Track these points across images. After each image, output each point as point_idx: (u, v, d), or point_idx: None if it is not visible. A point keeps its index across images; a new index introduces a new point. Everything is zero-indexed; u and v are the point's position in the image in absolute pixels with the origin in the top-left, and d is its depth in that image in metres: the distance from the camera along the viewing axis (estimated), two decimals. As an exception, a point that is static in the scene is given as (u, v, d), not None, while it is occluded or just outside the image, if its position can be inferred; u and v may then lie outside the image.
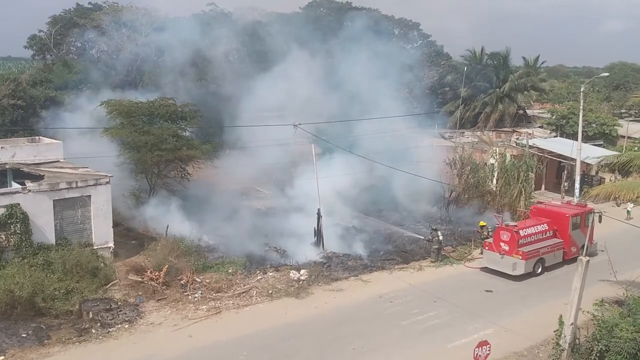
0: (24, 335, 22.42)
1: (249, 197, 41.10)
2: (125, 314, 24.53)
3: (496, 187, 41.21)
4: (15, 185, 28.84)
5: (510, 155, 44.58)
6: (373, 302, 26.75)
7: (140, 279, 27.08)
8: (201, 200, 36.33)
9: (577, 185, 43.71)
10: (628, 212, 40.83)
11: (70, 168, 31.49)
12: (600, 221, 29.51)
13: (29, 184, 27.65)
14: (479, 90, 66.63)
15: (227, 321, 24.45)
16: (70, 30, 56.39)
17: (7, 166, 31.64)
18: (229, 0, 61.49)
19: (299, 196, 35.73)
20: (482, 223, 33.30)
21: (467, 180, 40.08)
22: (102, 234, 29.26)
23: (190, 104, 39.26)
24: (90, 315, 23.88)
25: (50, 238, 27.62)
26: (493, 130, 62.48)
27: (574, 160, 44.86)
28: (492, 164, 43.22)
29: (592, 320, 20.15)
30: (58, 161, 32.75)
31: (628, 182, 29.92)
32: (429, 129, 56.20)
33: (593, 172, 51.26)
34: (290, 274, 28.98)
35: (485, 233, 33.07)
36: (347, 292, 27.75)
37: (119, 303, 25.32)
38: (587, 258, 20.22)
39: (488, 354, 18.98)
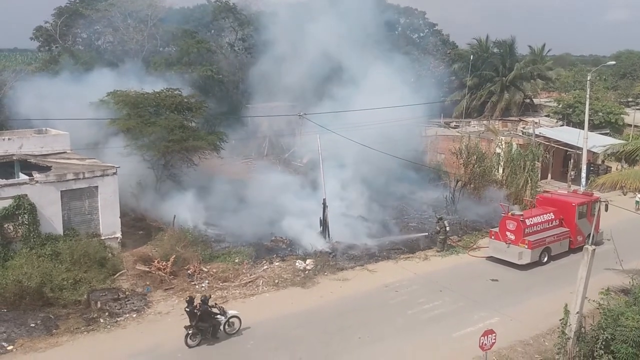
0: (33, 325, 22.66)
1: (253, 187, 41.09)
2: (133, 303, 24.76)
3: (502, 177, 41.15)
4: (23, 177, 29.00)
5: (517, 145, 44.49)
6: (379, 292, 26.86)
7: (147, 269, 27.28)
8: (207, 190, 36.42)
9: (583, 174, 43.62)
10: (637, 202, 40.63)
11: (77, 159, 31.64)
12: (606, 210, 29.48)
13: (37, 175, 27.81)
14: (485, 79, 66.42)
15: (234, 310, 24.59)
16: (76, 21, 56.39)
17: (14, 157, 31.81)
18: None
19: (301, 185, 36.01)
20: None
21: (473, 170, 40.03)
22: (109, 224, 29.45)
23: (196, 95, 39.26)
24: (99, 305, 24.09)
25: (58, 229, 27.80)
26: (499, 120, 62.33)
27: (580, 149, 44.77)
28: (498, 154, 43.14)
29: (597, 309, 20.20)
30: (65, 152, 32.91)
31: (634, 170, 29.72)
32: (435, 118, 56.28)
33: (599, 161, 51.10)
34: (296, 264, 29.12)
35: None
36: (352, 282, 27.87)
37: (127, 293, 25.54)
38: (593, 247, 20.18)
39: (494, 343, 19.07)
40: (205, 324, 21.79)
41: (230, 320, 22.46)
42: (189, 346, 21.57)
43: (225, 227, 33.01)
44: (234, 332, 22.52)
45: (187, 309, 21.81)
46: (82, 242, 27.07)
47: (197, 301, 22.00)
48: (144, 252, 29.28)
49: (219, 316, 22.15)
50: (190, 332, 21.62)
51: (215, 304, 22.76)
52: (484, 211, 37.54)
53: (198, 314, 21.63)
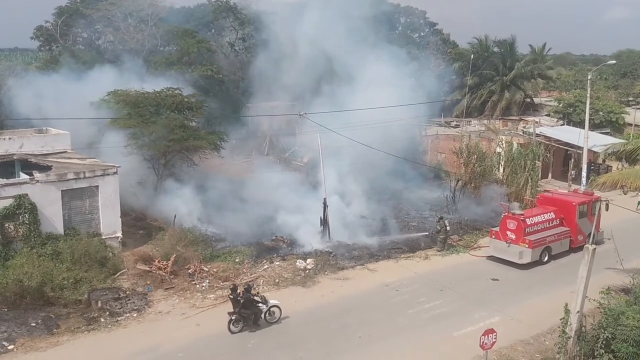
0: (34, 324, 22.65)
1: (253, 186, 41.12)
2: (134, 303, 24.75)
3: (503, 176, 41.14)
4: (24, 176, 29.01)
5: (517, 144, 44.47)
6: (379, 291, 26.84)
7: (148, 269, 27.31)
8: (207, 190, 36.42)
9: (584, 174, 43.60)
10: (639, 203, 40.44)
11: (78, 158, 31.65)
12: (607, 209, 29.43)
13: (37, 175, 27.81)
14: (486, 78, 66.39)
15: (235, 310, 24.61)
16: (76, 20, 56.43)
17: (15, 157, 31.81)
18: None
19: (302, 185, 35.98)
20: None
21: (474, 169, 40.01)
22: (110, 223, 29.46)
23: (196, 94, 39.27)
24: (99, 305, 24.10)
25: (59, 228, 27.82)
26: (500, 119, 62.30)
27: (580, 148, 44.72)
28: (499, 153, 43.13)
29: (598, 308, 20.24)
30: (66, 152, 32.91)
31: (635, 170, 29.81)
32: (436, 117, 56.32)
33: (600, 161, 51.09)
34: (297, 263, 29.11)
35: None
36: (353, 281, 27.85)
37: (128, 292, 25.54)
38: (594, 246, 20.18)
39: (494, 342, 19.08)
40: (248, 311, 22.71)
41: (271, 309, 23.38)
42: (232, 332, 22.49)
43: (225, 226, 32.99)
44: (275, 320, 23.43)
45: (230, 296, 22.88)
46: (82, 241, 27.10)
47: (240, 289, 23.05)
48: (145, 251, 29.31)
49: (260, 304, 23.05)
50: (233, 318, 22.60)
51: (257, 292, 23.76)
52: (485, 210, 37.54)
53: (241, 301, 22.55)
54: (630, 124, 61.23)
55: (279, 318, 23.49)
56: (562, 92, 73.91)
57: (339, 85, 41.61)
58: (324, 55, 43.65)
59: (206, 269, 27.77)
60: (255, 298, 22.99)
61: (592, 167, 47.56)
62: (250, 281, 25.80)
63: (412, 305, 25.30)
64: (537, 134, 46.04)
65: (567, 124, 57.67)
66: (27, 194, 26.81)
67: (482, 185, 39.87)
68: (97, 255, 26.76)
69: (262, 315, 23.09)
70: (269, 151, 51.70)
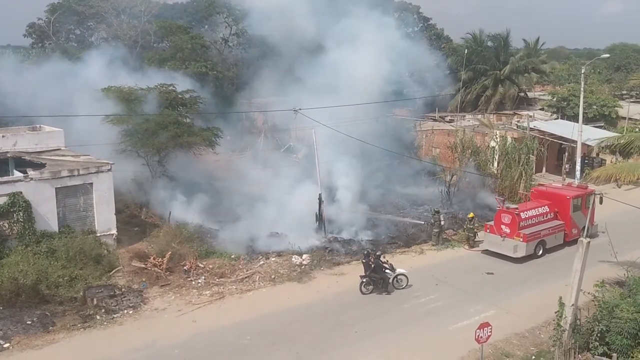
0: (29, 322, 22.62)
1: (248, 182, 41.12)
2: (130, 300, 24.73)
3: (497, 170, 41.21)
4: (17, 174, 28.94)
5: (511, 138, 44.54)
6: (375, 286, 26.88)
7: (143, 265, 27.28)
8: (202, 186, 36.37)
9: (578, 167, 43.70)
10: None
11: (72, 156, 31.55)
12: (601, 203, 29.45)
13: (31, 172, 27.77)
14: (480, 73, 66.36)
15: (231, 306, 24.65)
16: (69, 17, 56.26)
17: (8, 155, 31.67)
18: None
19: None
20: (471, 215, 33.20)
21: (468, 164, 40.04)
22: (104, 221, 29.43)
23: (190, 91, 39.23)
24: (95, 302, 24.09)
25: (53, 226, 27.78)
26: (494, 113, 62.31)
27: (574, 142, 44.80)
28: (493, 147, 43.18)
29: (592, 301, 20.35)
30: (59, 149, 32.81)
31: (629, 163, 29.82)
32: (430, 112, 56.30)
33: (594, 154, 51.20)
34: (293, 259, 29.13)
35: (471, 226, 32.40)
36: (349, 276, 27.80)
37: (123, 289, 25.52)
38: (588, 239, 20.25)
39: (490, 336, 19.13)
40: (377, 276, 25.62)
41: (398, 277, 26.09)
42: (363, 293, 25.50)
43: (221, 222, 32.93)
44: (402, 287, 26.12)
45: (363, 260, 26.14)
46: (77, 239, 27.06)
47: (372, 255, 26.00)
48: (140, 248, 29.28)
49: (388, 271, 25.78)
50: (364, 280, 25.62)
51: (387, 260, 26.52)
52: (479, 205, 37.57)
53: (372, 266, 25.49)
54: (624, 118, 61.35)
55: (406, 285, 26.09)
56: (555, 86, 73.94)
57: (333, 80, 41.43)
58: (317, 50, 43.45)
59: (202, 266, 27.79)
60: (384, 265, 25.64)
61: (586, 161, 47.64)
62: (379, 250, 27.97)
63: (407, 300, 25.37)
64: (531, 128, 46.12)
65: (561, 118, 57.71)
66: (21, 192, 26.76)
67: (477, 179, 39.87)
68: (92, 253, 26.73)
69: (390, 281, 25.67)
70: (264, 147, 51.62)
